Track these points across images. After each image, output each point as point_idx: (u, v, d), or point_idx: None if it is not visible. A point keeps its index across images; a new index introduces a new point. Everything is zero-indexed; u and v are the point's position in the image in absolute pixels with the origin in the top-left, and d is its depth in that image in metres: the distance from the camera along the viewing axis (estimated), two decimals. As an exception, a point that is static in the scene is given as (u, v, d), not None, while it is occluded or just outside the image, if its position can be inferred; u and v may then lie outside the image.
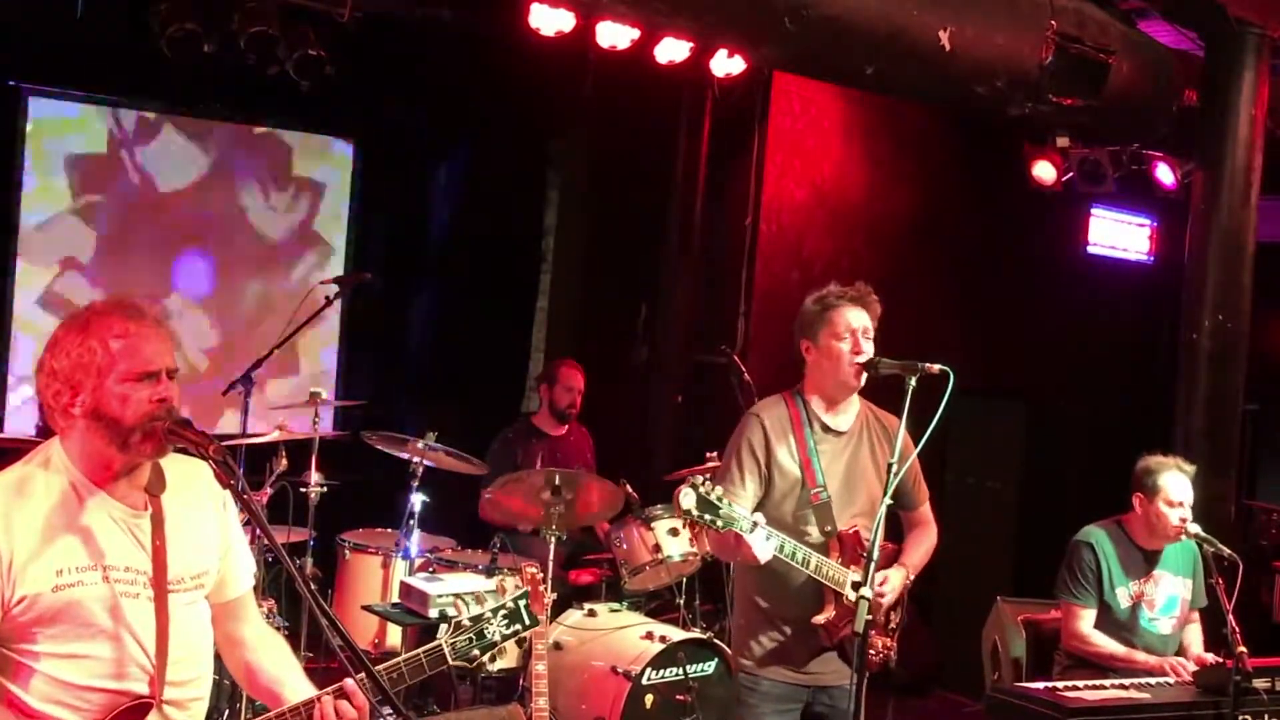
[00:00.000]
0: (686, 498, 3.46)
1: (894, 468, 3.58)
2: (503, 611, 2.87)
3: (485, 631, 2.85)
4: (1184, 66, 6.52)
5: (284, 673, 2.76)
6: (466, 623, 2.85)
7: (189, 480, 2.60)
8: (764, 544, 3.59)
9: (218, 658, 2.80)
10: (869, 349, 3.80)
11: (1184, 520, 4.69)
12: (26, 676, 2.47)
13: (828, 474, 3.85)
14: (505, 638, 2.87)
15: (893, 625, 3.95)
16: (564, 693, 5.15)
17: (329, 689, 2.65)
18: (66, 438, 2.53)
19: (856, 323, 3.81)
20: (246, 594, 2.83)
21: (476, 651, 2.83)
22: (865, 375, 3.82)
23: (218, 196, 7.34)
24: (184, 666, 2.59)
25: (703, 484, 3.49)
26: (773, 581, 3.80)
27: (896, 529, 4.07)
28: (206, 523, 2.68)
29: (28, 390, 6.84)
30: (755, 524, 3.57)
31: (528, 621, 2.90)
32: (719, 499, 3.49)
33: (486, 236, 7.85)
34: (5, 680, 2.49)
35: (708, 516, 3.48)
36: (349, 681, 2.61)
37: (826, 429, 3.89)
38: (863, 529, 3.82)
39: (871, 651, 3.83)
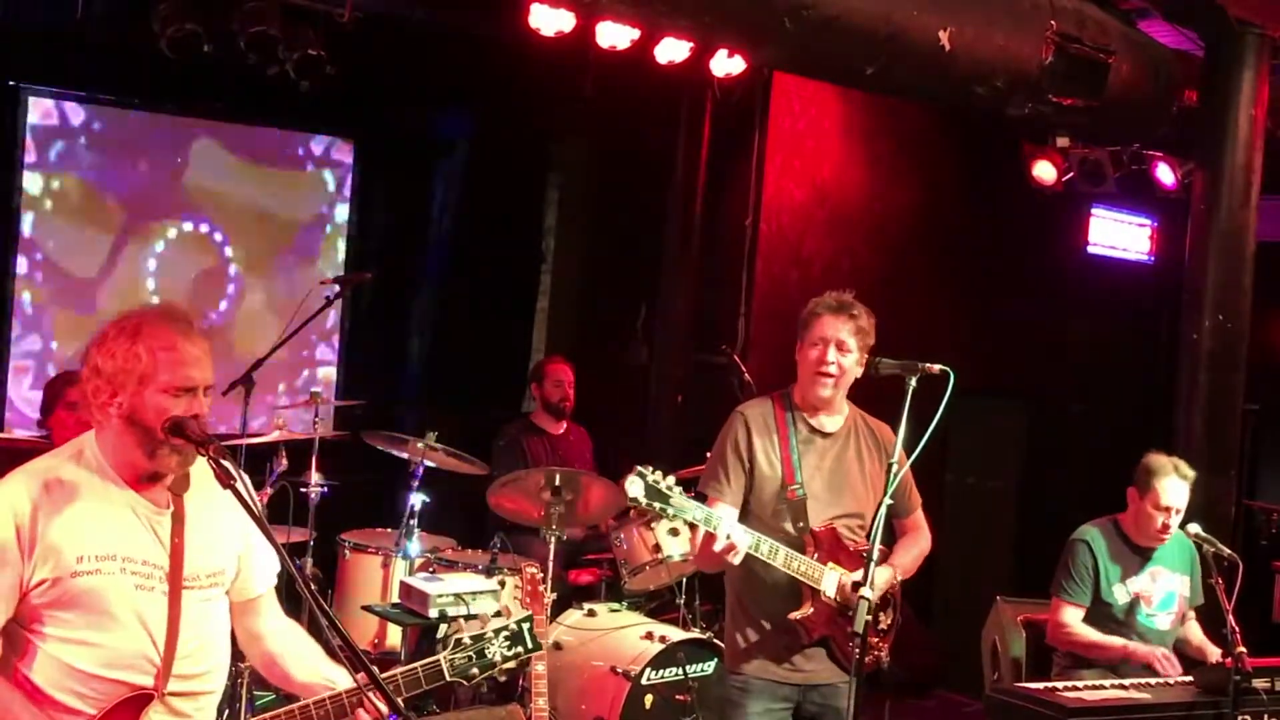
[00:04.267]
0: (633, 485, 3.45)
1: (894, 467, 3.59)
2: (505, 633, 2.86)
3: (486, 651, 2.84)
4: (1184, 66, 6.52)
5: (313, 663, 2.79)
6: (468, 641, 2.84)
7: (212, 480, 2.60)
8: (739, 534, 3.57)
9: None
10: (840, 360, 3.78)
11: (1166, 527, 4.70)
12: (35, 658, 2.53)
13: (809, 473, 3.86)
14: (506, 659, 2.86)
15: (884, 626, 3.95)
16: (564, 693, 5.15)
17: (335, 692, 2.66)
18: (101, 434, 2.60)
19: (830, 333, 3.80)
20: (269, 591, 2.87)
21: (475, 670, 2.82)
22: (830, 385, 3.80)
23: (217, 196, 7.34)
24: (193, 662, 2.64)
25: (651, 472, 3.48)
26: (751, 579, 3.82)
27: (889, 538, 4.06)
28: (227, 522, 2.71)
29: (25, 391, 6.84)
30: (710, 515, 3.56)
31: (530, 645, 2.89)
32: (669, 488, 3.48)
33: (486, 236, 7.85)
34: (16, 661, 2.54)
35: (657, 505, 3.48)
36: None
37: (812, 430, 3.90)
38: (842, 528, 3.83)
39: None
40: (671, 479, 3.51)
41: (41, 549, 2.49)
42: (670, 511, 3.50)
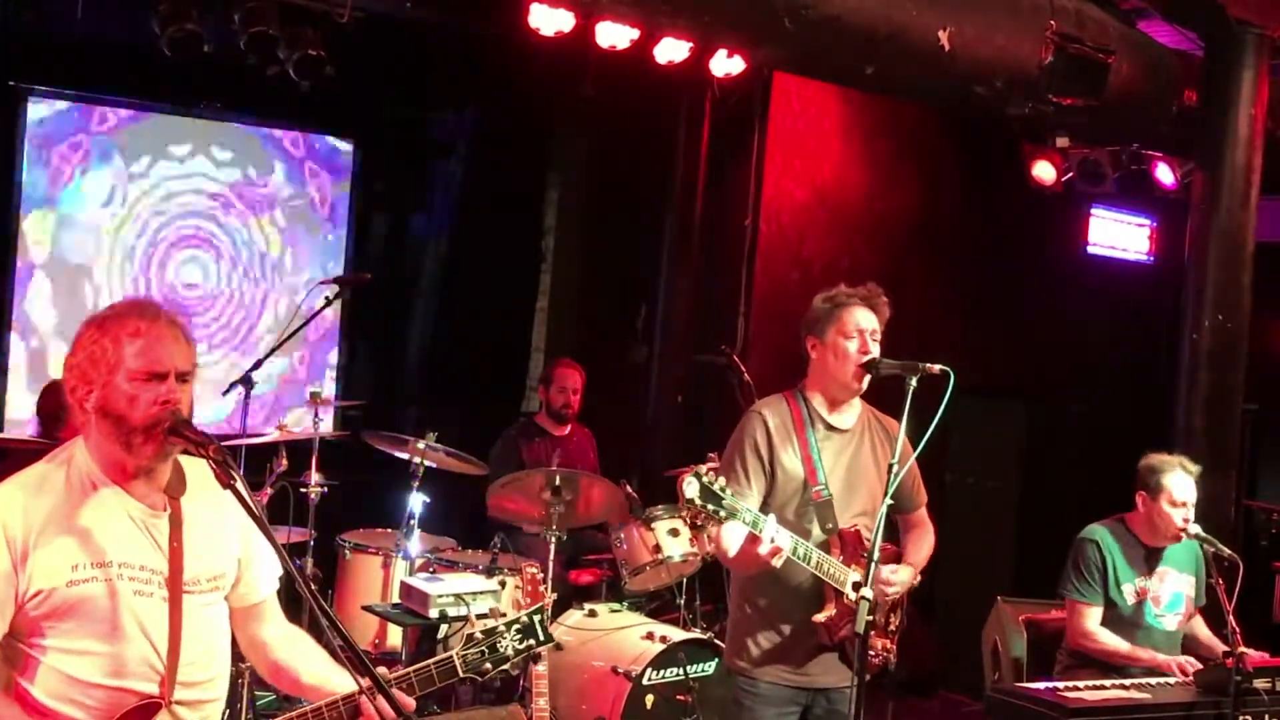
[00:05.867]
0: (690, 486, 3.43)
1: (895, 468, 3.58)
2: (517, 626, 2.83)
3: (498, 645, 2.80)
4: (1184, 66, 6.52)
5: (317, 668, 2.76)
6: (479, 635, 2.80)
7: (211, 482, 2.56)
8: (784, 537, 3.56)
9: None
10: (875, 351, 3.80)
11: (1186, 521, 4.70)
12: (35, 671, 2.49)
13: (830, 472, 3.84)
14: (519, 653, 2.82)
15: (893, 627, 3.95)
16: (564, 693, 5.15)
17: (349, 693, 2.63)
18: (86, 436, 2.56)
19: (866, 324, 3.81)
20: (271, 597, 2.83)
21: (489, 665, 2.79)
22: (867, 377, 3.82)
23: (217, 196, 7.34)
24: (198, 668, 2.60)
25: (706, 473, 3.46)
26: (772, 580, 3.79)
27: (893, 532, 4.06)
28: (227, 526, 2.68)
29: (24, 391, 6.84)
30: (759, 518, 3.55)
31: (542, 637, 2.86)
32: (722, 489, 3.47)
33: (486, 236, 7.85)
34: (16, 675, 2.50)
35: (711, 506, 3.46)
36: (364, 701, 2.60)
37: (829, 427, 3.88)
38: (864, 528, 3.82)
39: (871, 653, 3.81)
40: (722, 480, 3.50)
41: (34, 560, 2.45)
42: (723, 513, 3.47)
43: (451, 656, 2.77)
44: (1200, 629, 4.95)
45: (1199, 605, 4.91)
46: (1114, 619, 4.77)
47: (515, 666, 2.85)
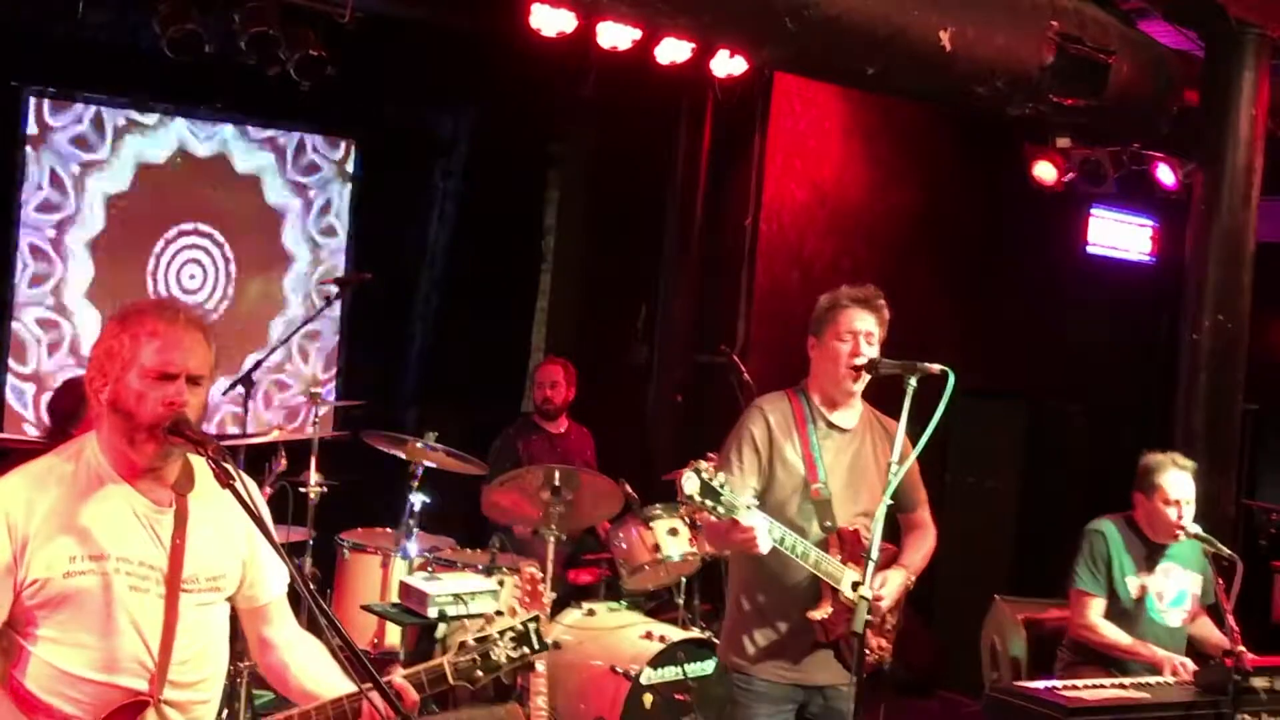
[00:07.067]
0: (690, 482, 3.43)
1: (894, 467, 3.58)
2: (510, 634, 2.80)
3: (491, 653, 2.77)
4: (1184, 66, 6.52)
5: (320, 674, 2.75)
6: (472, 643, 2.78)
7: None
8: (765, 534, 3.57)
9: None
10: (869, 353, 3.80)
11: (1181, 518, 4.71)
12: (28, 662, 2.50)
13: (830, 470, 3.85)
14: (512, 660, 2.79)
15: (889, 626, 3.95)
16: (563, 692, 5.15)
17: (337, 697, 2.62)
18: (99, 430, 2.58)
19: (860, 326, 3.81)
20: (279, 599, 2.82)
21: (480, 673, 2.76)
22: (863, 378, 3.82)
23: (218, 196, 7.34)
24: (189, 668, 2.59)
25: (706, 469, 3.47)
26: (769, 578, 3.80)
27: (894, 532, 4.07)
28: (232, 526, 2.67)
29: (25, 390, 6.84)
30: (751, 507, 3.55)
31: (536, 646, 2.83)
32: (722, 485, 3.48)
33: (487, 236, 7.85)
34: (10, 667, 2.51)
35: (709, 503, 3.46)
36: (398, 679, 2.62)
37: (830, 425, 3.90)
38: (863, 528, 3.82)
39: (866, 652, 3.82)
40: (722, 475, 3.50)
41: (33, 549, 2.46)
42: (721, 509, 3.48)
43: (442, 663, 2.74)
44: (1212, 632, 4.94)
45: (1205, 604, 4.91)
46: (1116, 612, 4.79)
47: (508, 675, 2.83)
